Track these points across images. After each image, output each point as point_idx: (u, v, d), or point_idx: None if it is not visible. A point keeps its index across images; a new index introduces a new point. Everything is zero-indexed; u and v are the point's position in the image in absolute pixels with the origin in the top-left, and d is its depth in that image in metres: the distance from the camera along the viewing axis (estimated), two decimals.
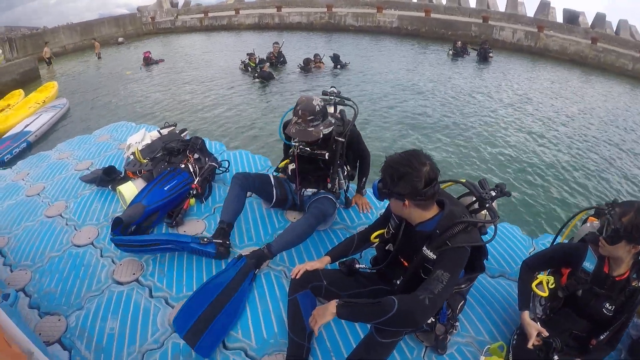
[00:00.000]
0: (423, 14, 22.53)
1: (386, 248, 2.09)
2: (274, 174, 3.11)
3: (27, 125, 8.82)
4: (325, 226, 2.93)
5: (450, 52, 16.66)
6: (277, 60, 13.22)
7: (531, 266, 2.14)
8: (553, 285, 2.01)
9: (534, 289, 2.02)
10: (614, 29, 22.81)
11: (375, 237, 2.14)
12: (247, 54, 12.99)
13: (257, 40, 20.04)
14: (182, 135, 4.33)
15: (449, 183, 2.21)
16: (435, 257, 1.71)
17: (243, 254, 2.50)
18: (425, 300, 1.55)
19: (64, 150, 4.63)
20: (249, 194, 3.06)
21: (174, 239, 2.55)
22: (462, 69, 14.82)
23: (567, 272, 2.03)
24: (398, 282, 1.97)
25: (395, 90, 11.34)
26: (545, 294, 2.00)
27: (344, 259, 2.21)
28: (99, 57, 18.32)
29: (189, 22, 25.70)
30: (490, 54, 16.07)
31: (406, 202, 1.71)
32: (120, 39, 22.30)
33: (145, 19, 25.72)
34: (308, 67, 12.61)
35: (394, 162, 1.69)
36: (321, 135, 2.55)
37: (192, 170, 3.21)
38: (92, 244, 2.86)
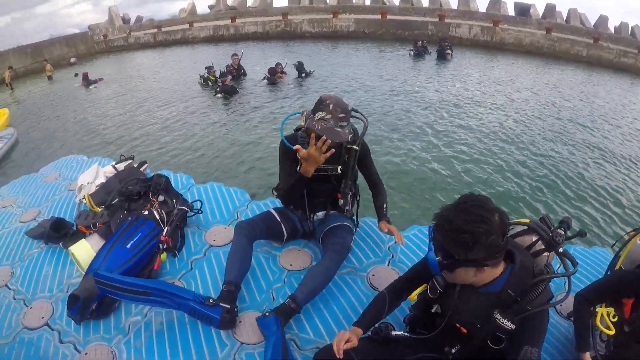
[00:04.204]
0: (379, 17, 22.44)
1: (433, 310, 1.67)
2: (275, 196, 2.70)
3: None
4: None
5: (412, 52, 16.57)
6: (237, 72, 12.52)
7: (589, 299, 1.85)
8: (616, 318, 1.80)
9: (599, 326, 1.81)
10: (565, 18, 23.60)
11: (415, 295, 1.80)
12: (206, 68, 12.26)
13: (213, 53, 19.32)
14: (142, 169, 3.80)
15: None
16: (513, 327, 1.37)
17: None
18: None
19: (6, 195, 3.98)
20: None
21: (170, 291, 2.02)
22: (424, 68, 14.70)
23: (629, 302, 1.80)
24: (453, 351, 1.60)
25: (367, 95, 10.97)
26: (612, 332, 1.78)
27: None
28: (50, 79, 17.23)
29: (143, 39, 24.69)
30: (448, 52, 16.13)
31: (485, 268, 1.37)
32: (72, 60, 21.06)
33: (98, 38, 24.63)
34: (274, 77, 11.96)
35: (462, 223, 1.29)
36: (348, 139, 2.25)
37: (158, 217, 2.68)
38: (47, 324, 2.28)
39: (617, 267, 2.09)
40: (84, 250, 2.48)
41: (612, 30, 23.13)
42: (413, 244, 2.82)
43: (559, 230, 1.57)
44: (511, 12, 24.39)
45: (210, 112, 10.03)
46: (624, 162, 7.38)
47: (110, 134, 9.22)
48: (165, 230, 2.60)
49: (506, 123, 8.91)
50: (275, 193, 2.65)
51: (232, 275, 2.19)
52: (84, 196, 3.15)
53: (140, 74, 16.13)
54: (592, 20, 23.49)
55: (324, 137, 2.07)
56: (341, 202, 2.53)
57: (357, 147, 2.36)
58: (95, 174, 3.67)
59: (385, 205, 2.64)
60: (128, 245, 2.39)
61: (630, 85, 14.89)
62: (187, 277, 2.55)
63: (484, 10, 24.09)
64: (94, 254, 2.42)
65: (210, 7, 29.29)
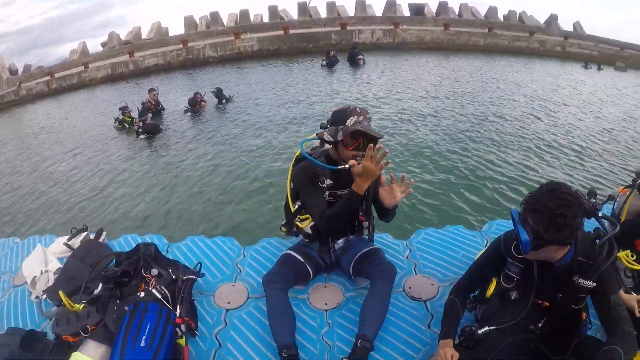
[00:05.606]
0: (282, 32, 22.50)
1: (512, 297, 1.85)
2: (283, 232, 2.63)
3: None
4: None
5: (325, 62, 16.74)
6: (156, 108, 11.54)
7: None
8: (634, 257, 2.17)
9: (626, 264, 2.16)
10: (457, 13, 25.48)
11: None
12: (120, 109, 11.11)
13: (115, 93, 18.02)
14: (101, 239, 3.24)
15: None
16: (594, 284, 1.63)
17: None
18: (632, 330, 1.56)
19: None
20: None
21: None
22: (339, 76, 15.07)
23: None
24: (539, 326, 1.77)
25: (297, 109, 10.95)
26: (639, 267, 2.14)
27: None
28: None
29: (35, 89, 22.34)
30: (360, 57, 16.61)
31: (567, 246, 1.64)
32: None
33: None
34: (195, 108, 11.43)
35: (556, 207, 1.49)
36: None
37: (159, 296, 2.22)
38: None
39: (622, 220, 2.52)
40: None
41: (502, 18, 25.43)
42: (426, 246, 2.91)
43: (592, 200, 1.95)
44: (407, 13, 25.86)
45: (138, 156, 8.92)
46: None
47: (28, 206, 7.47)
48: (178, 310, 2.14)
49: (430, 113, 9.63)
50: (284, 230, 2.56)
51: (286, 337, 2.04)
52: (43, 291, 2.57)
53: (41, 128, 14.27)
54: (482, 11, 25.62)
55: (380, 145, 2.01)
56: (366, 224, 2.47)
57: None
58: (43, 259, 3.02)
59: None
60: (142, 343, 1.90)
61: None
62: (222, 355, 2.15)
63: (381, 14, 25.18)
64: None
65: (103, 44, 27.54)
